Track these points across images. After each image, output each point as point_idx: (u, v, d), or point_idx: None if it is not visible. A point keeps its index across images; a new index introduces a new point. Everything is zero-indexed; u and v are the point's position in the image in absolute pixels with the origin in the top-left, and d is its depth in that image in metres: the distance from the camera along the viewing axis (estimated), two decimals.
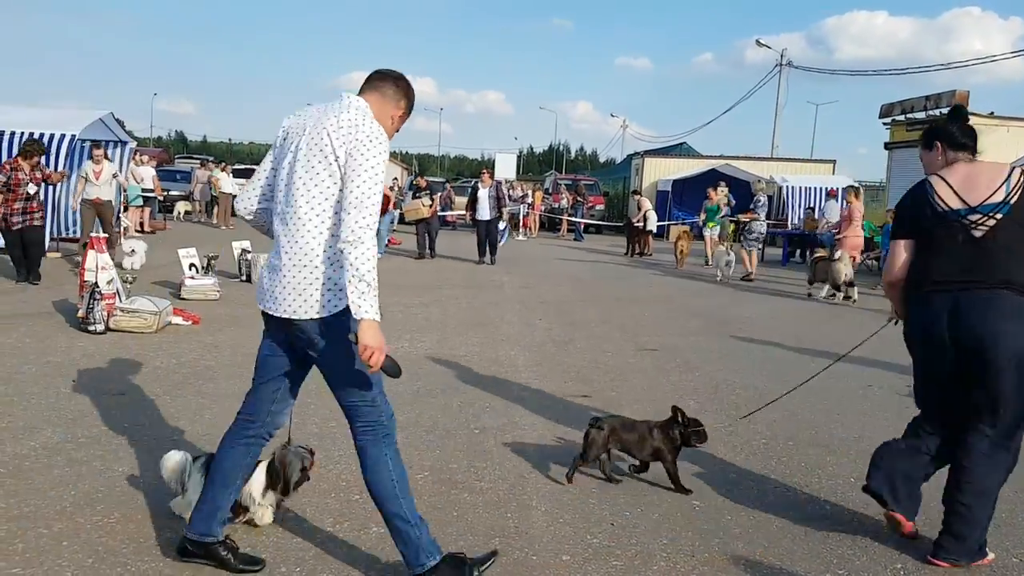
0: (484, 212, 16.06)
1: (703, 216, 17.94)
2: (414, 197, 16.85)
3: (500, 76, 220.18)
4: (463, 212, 28.91)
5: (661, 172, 29.06)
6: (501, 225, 16.94)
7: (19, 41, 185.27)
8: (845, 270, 11.85)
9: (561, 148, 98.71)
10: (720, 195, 18.03)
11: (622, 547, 3.48)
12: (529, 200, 25.94)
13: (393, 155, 74.76)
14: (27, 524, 3.37)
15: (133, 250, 10.69)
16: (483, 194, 16.14)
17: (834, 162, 29.53)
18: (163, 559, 3.14)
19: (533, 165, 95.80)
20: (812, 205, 22.69)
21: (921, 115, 20.21)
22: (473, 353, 7.26)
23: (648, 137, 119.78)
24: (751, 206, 15.64)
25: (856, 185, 16.02)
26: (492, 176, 17.13)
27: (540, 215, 26.47)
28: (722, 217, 17.62)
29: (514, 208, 25.71)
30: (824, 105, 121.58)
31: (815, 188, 24.17)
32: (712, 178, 22.61)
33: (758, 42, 35.28)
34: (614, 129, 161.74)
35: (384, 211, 15.80)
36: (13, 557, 3.09)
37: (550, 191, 28.78)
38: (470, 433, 4.94)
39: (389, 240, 18.15)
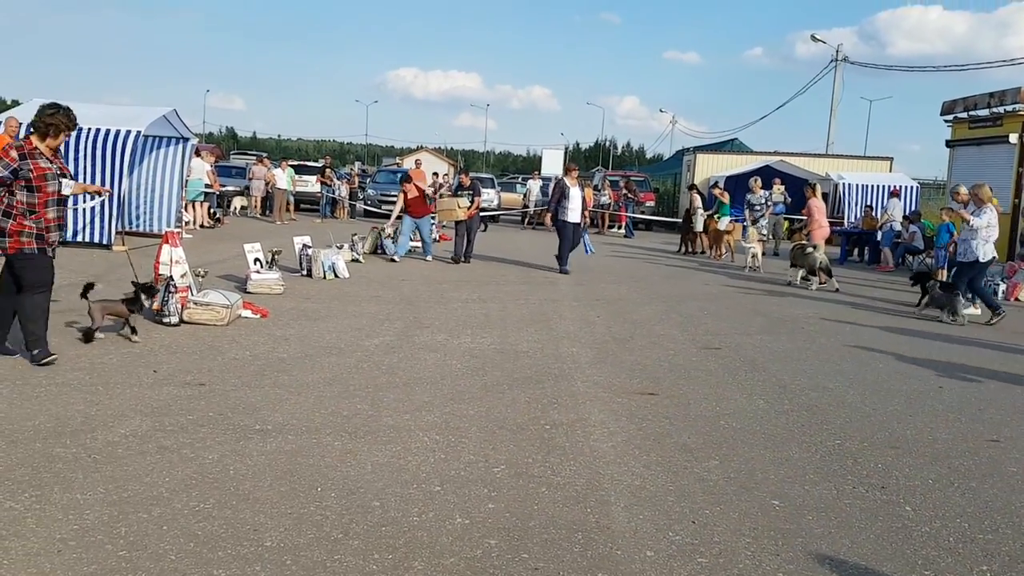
0: (575, 214, 14.00)
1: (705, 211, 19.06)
2: (455, 195, 15.15)
3: (546, 71, 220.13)
4: (522, 209, 28.97)
5: (713, 168, 28.78)
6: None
7: (76, 38, 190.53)
8: (820, 258, 13.44)
9: (608, 144, 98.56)
10: (776, 191, 18.37)
11: (705, 544, 3.50)
12: None
13: (438, 151, 75.19)
14: (128, 509, 3.51)
15: None
16: (575, 192, 14.01)
17: (891, 159, 28.93)
18: (262, 544, 3.25)
19: (580, 161, 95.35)
20: (870, 203, 22.27)
21: (984, 112, 19.74)
22: (535, 349, 7.31)
23: (698, 133, 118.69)
24: (764, 201, 16.41)
25: (814, 181, 16.44)
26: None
27: (590, 212, 26.34)
28: (775, 215, 17.72)
29: None
30: (877, 101, 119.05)
31: (872, 186, 23.72)
32: (765, 174, 22.34)
33: (813, 37, 34.64)
34: (661, 124, 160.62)
35: (422, 213, 14.64)
36: (118, 540, 3.22)
37: (599, 187, 28.67)
38: (541, 428, 4.99)
39: (441, 236, 18.20)
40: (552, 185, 15.34)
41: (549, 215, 14.22)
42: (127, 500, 3.59)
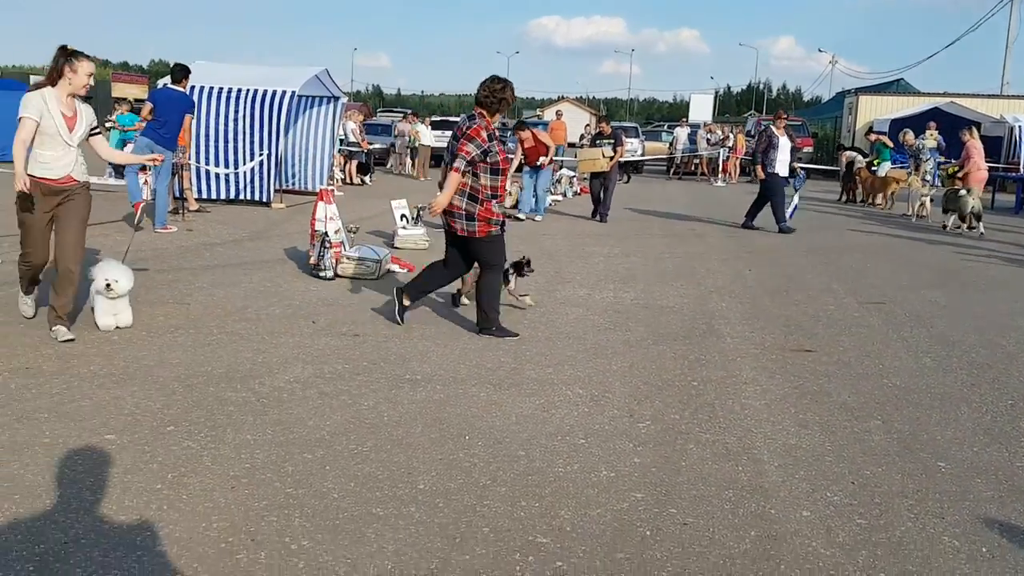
0: (784, 166, 12.56)
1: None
2: (593, 145, 13.91)
3: (695, 12, 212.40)
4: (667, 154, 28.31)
5: (877, 111, 26.98)
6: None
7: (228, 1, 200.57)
8: (972, 202, 12.80)
9: (761, 87, 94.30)
10: (929, 137, 17.35)
11: (865, 506, 3.34)
12: (730, 143, 24.97)
13: (580, 100, 73.94)
14: (293, 450, 3.72)
15: None
16: (784, 142, 12.59)
17: None
18: (415, 487, 3.37)
19: (731, 106, 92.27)
20: None
21: None
22: (682, 304, 7.16)
23: (859, 73, 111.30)
24: (918, 152, 15.64)
25: (973, 123, 15.06)
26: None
27: (740, 159, 25.36)
28: (928, 160, 16.54)
29: (713, 152, 24.93)
30: None
31: None
32: (933, 118, 20.78)
33: None
34: (820, 65, 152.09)
35: (536, 163, 13.01)
36: (286, 478, 3.43)
37: (752, 133, 27.49)
38: (688, 385, 4.89)
39: (581, 189, 17.95)
40: (758, 134, 13.30)
41: (760, 168, 12.56)
42: (292, 441, 3.81)
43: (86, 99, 5.41)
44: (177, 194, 11.55)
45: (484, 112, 5.56)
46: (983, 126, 24.19)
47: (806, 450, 3.91)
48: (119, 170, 14.45)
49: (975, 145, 14.04)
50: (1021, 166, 21.02)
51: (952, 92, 26.78)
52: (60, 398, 4.22)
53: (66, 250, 5.21)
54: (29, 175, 4.99)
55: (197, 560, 2.76)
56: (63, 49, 5.12)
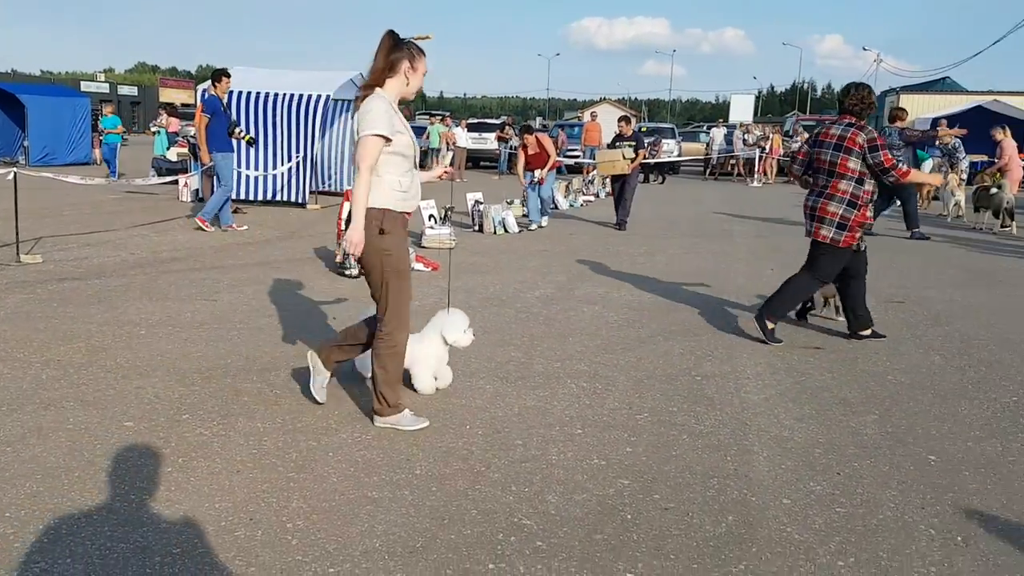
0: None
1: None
2: (612, 146, 12.95)
3: (739, 11, 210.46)
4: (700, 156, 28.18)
5: (919, 110, 26.64)
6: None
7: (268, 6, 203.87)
8: (1007, 197, 12.90)
9: (805, 86, 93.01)
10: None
11: (847, 495, 3.41)
12: (767, 144, 24.78)
13: (621, 102, 73.65)
14: (300, 437, 3.91)
15: None
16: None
17: None
18: (412, 472, 3.54)
19: (774, 106, 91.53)
20: None
21: None
22: (697, 301, 7.22)
23: (907, 72, 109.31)
24: (953, 151, 15.61)
25: (1003, 124, 14.47)
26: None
27: (778, 160, 25.16)
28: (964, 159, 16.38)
29: (750, 152, 24.76)
30: None
31: None
32: (975, 116, 20.39)
33: None
34: (866, 65, 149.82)
35: (541, 165, 12.09)
36: (289, 464, 3.61)
37: (790, 134, 27.23)
38: (691, 379, 4.98)
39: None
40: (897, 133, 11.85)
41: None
42: (300, 429, 4.00)
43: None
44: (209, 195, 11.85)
45: (855, 119, 5.64)
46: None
47: (797, 442, 3.98)
48: (161, 170, 15.02)
49: (1011, 143, 13.96)
50: None
51: (1000, 90, 26.23)
52: (86, 388, 4.47)
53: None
54: (389, 209, 3.85)
55: (197, 536, 2.95)
56: (393, 36, 3.81)
